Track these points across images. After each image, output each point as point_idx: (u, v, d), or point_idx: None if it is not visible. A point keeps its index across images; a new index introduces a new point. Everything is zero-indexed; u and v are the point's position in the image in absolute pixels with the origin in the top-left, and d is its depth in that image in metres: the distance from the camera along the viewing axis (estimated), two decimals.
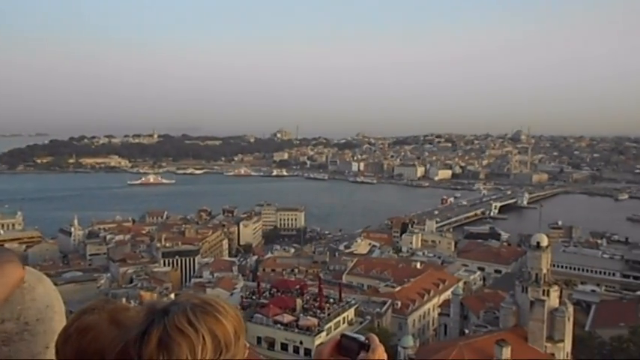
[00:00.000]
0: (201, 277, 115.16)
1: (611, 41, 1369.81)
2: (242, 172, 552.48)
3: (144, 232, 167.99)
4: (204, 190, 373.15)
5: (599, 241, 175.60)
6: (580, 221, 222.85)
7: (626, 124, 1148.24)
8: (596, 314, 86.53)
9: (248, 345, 1.78)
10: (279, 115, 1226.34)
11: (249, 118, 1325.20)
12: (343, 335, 2.39)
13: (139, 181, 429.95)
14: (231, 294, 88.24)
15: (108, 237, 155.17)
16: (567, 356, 52.08)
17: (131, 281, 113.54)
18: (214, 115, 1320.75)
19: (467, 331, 62.30)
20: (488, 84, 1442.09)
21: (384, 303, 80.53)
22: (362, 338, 2.32)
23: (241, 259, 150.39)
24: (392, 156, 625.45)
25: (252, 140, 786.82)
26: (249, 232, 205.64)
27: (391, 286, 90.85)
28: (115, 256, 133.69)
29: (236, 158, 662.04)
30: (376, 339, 2.25)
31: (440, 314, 76.21)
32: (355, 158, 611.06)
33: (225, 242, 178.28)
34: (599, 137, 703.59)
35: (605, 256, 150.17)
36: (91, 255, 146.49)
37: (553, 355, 50.21)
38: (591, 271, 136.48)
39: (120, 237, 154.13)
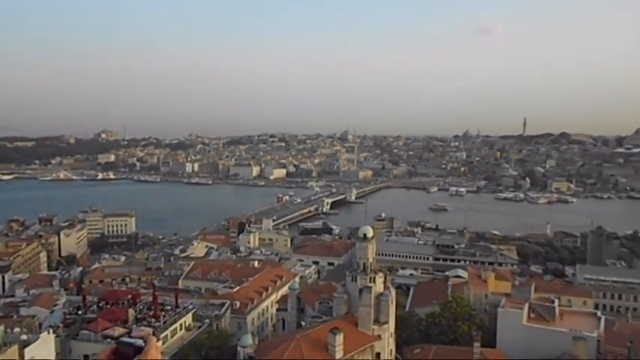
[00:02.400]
0: (12, 295, 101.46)
1: (414, 51, 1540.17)
2: (61, 176, 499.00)
3: None
4: (14, 198, 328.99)
5: (415, 230, 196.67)
6: (399, 212, 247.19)
7: (434, 126, 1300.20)
8: (414, 295, 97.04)
9: None
10: (103, 114, 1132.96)
11: (67, 117, 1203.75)
12: (119, 342, 2.45)
13: None
14: (52, 311, 79.45)
15: None
16: (391, 336, 57.49)
17: None
18: (26, 113, 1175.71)
19: (304, 323, 64.88)
20: (318, 86, 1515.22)
21: (223, 304, 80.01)
22: (139, 342, 2.38)
23: (63, 272, 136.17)
24: (227, 156, 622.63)
25: (72, 141, 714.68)
26: (72, 242, 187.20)
27: (230, 287, 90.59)
28: None
29: (53, 161, 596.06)
30: (153, 340, 2.27)
31: (278, 310, 78.02)
32: (189, 159, 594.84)
33: (43, 255, 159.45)
34: (413, 137, 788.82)
35: (420, 242, 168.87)
36: None
37: (379, 336, 54.98)
38: (409, 257, 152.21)
39: None
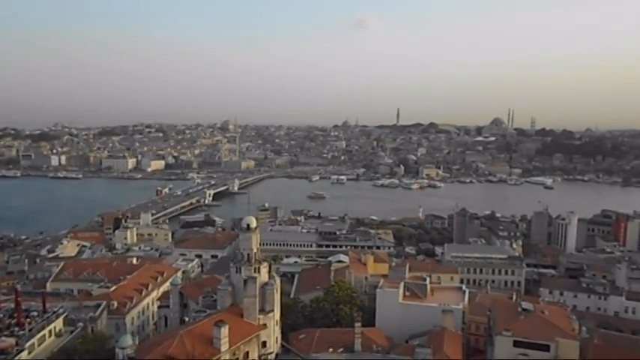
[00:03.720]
0: None
1: (296, 43, 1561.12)
2: None
3: None
4: None
5: (298, 218, 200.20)
6: (283, 202, 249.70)
7: (314, 116, 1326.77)
8: (298, 282, 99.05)
9: None
10: None
11: None
12: None
13: None
14: None
15: None
16: (277, 324, 58.25)
17: None
18: None
19: (187, 318, 63.29)
20: (197, 75, 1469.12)
21: (99, 305, 75.07)
22: None
23: None
24: (99, 148, 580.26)
25: None
26: None
27: (105, 287, 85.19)
28: None
29: None
30: None
31: (160, 307, 75.16)
32: (55, 151, 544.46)
33: None
34: (295, 126, 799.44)
35: (303, 230, 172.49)
36: None
37: (265, 325, 55.45)
38: (293, 245, 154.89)
39: None
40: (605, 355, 62.70)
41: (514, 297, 74.66)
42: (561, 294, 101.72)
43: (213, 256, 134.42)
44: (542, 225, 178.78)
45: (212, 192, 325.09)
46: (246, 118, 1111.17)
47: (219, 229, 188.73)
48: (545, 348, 55.98)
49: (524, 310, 62.70)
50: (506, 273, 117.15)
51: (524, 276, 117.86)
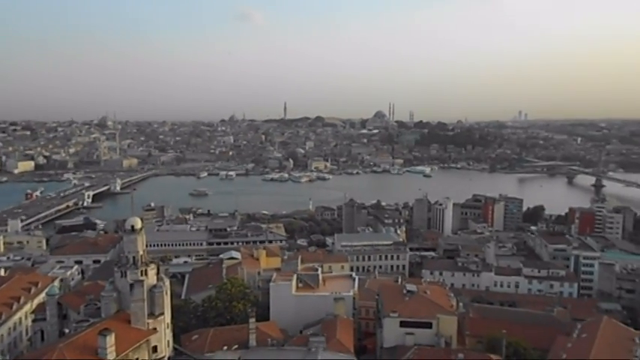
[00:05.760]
0: None
1: (176, 37, 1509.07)
2: None
3: None
4: None
5: (187, 217, 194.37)
6: (170, 200, 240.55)
7: (200, 111, 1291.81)
8: (189, 282, 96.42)
9: None
10: None
11: None
12: None
13: None
14: None
15: None
16: (168, 327, 56.18)
17: None
18: None
19: (67, 330, 58.86)
20: (69, 71, 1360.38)
21: None
22: None
23: None
24: None
25: None
26: None
27: None
28: None
29: None
30: None
31: (35, 320, 68.83)
32: None
33: None
34: (180, 122, 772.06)
35: (192, 229, 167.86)
36: None
37: (155, 329, 53.21)
38: (183, 245, 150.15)
39: None
40: (478, 326, 69.14)
41: (399, 280, 79.13)
42: (441, 274, 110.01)
43: (95, 262, 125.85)
44: (423, 211, 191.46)
45: (91, 193, 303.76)
46: (127, 113, 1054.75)
47: (101, 232, 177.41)
48: (428, 325, 60.25)
49: (408, 291, 66.77)
50: (392, 258, 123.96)
51: (409, 260, 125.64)
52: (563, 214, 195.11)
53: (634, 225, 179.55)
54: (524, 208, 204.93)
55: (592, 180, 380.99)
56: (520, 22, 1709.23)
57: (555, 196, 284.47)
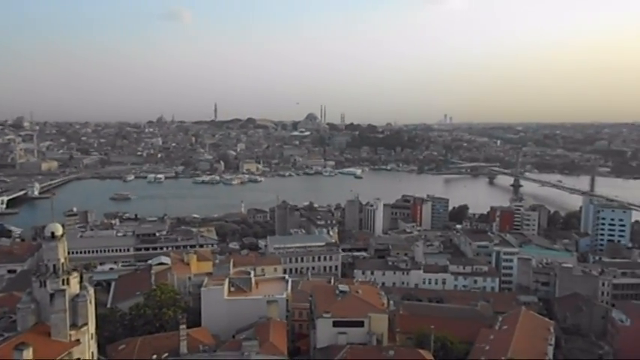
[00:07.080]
0: None
1: (97, 34, 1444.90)
2: None
3: None
4: None
5: (113, 222, 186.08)
6: (94, 205, 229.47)
7: (125, 112, 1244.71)
8: (115, 289, 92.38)
9: None
10: None
11: None
12: None
13: None
14: None
15: None
16: (92, 337, 53.48)
17: None
18: None
19: None
20: None
21: None
22: None
23: None
24: None
25: None
26: None
27: None
28: None
29: None
30: None
31: None
32: None
33: None
34: (104, 123, 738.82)
35: (119, 234, 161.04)
36: None
37: (78, 340, 50.47)
38: (108, 251, 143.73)
39: None
40: (408, 323, 71.36)
41: (332, 281, 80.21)
42: (372, 273, 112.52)
43: (10, 271, 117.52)
44: (354, 212, 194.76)
45: (6, 198, 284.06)
46: (45, 114, 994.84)
47: (17, 239, 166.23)
48: (360, 324, 61.45)
49: (341, 292, 67.72)
50: (325, 259, 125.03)
51: (341, 260, 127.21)
52: (485, 212, 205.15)
53: (548, 222, 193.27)
54: (450, 208, 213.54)
55: (511, 180, 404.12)
56: (443, 34, 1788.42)
57: (478, 196, 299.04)
